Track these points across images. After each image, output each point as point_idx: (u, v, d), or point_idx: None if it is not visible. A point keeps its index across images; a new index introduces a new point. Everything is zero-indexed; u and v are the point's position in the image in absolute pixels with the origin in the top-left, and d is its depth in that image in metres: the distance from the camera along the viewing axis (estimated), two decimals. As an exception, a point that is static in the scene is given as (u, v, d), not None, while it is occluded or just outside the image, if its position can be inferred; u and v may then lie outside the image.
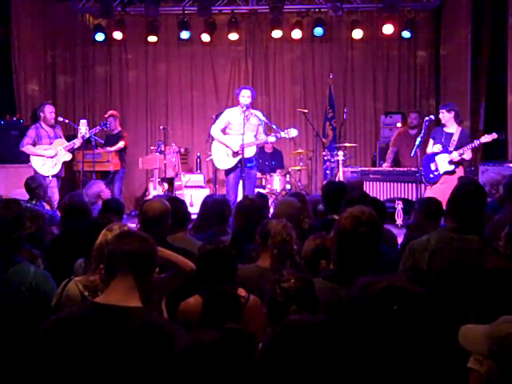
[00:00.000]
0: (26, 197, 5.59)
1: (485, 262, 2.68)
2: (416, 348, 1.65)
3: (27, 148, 7.32)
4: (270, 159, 9.11)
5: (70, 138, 7.88)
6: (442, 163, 6.85)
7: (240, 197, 7.04)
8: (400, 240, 4.26)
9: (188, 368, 1.54)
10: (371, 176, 8.00)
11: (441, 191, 6.08)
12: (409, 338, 1.64)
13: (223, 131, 7.01)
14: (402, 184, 7.78)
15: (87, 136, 7.41)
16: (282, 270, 2.40)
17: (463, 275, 2.74)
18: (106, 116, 8.69)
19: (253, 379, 1.49)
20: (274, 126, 7.14)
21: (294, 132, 6.98)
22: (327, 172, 8.72)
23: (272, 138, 7.04)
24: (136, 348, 1.79)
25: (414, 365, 1.64)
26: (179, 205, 3.90)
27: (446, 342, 1.97)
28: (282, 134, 6.92)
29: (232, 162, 6.91)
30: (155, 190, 8.31)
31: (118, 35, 9.74)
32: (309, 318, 1.59)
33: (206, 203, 4.54)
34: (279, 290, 2.23)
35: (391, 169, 8.09)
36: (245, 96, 6.81)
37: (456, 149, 6.76)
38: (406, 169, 7.84)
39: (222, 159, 7.00)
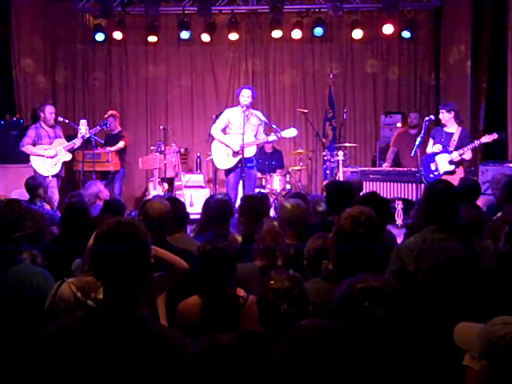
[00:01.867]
0: (26, 197, 5.60)
1: (470, 263, 2.70)
2: (387, 341, 1.67)
3: (27, 148, 7.32)
4: (270, 159, 9.11)
5: (70, 138, 7.88)
6: (442, 163, 6.85)
7: (240, 197, 7.05)
8: (400, 240, 4.26)
9: (204, 371, 1.54)
10: (371, 176, 7.99)
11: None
12: (380, 331, 1.66)
13: (223, 131, 7.01)
14: (402, 184, 7.76)
15: (87, 136, 7.41)
16: (269, 271, 2.39)
17: (449, 275, 2.75)
18: (106, 116, 8.69)
19: (267, 381, 1.49)
20: (274, 126, 7.15)
21: (293, 132, 6.99)
22: (327, 172, 8.72)
23: (272, 138, 7.04)
24: (136, 357, 1.75)
25: (386, 358, 1.66)
26: (178, 205, 3.90)
27: (437, 340, 1.99)
28: (282, 134, 6.93)
29: (232, 161, 6.91)
30: (155, 190, 8.30)
31: (117, 35, 9.74)
32: (321, 323, 1.59)
33: (208, 204, 4.54)
34: (269, 291, 2.22)
35: (391, 169, 8.08)
36: (245, 96, 6.81)
37: (456, 149, 6.77)
38: (406, 169, 7.83)
39: (222, 159, 7.00)
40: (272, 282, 2.25)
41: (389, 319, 1.70)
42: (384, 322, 1.69)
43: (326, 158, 8.73)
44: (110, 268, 1.81)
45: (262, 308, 2.25)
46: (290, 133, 6.97)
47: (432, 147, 6.98)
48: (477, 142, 6.74)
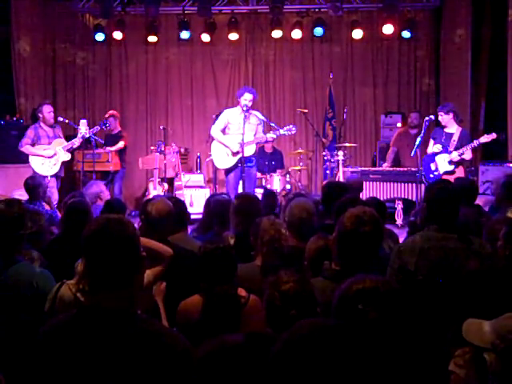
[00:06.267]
0: (26, 197, 5.60)
1: (466, 263, 2.71)
2: (379, 343, 1.67)
3: (26, 148, 7.31)
4: (270, 159, 9.11)
5: (70, 138, 7.87)
6: (442, 163, 6.86)
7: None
8: (402, 240, 4.26)
9: (212, 371, 1.53)
10: (371, 176, 8.00)
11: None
12: (372, 333, 1.66)
13: (223, 131, 7.02)
14: (402, 184, 7.77)
15: (87, 136, 7.40)
16: (279, 272, 2.34)
17: (450, 273, 2.76)
18: (106, 116, 8.70)
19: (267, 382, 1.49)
20: (273, 124, 7.16)
21: (292, 129, 6.96)
22: (327, 172, 8.72)
23: (270, 136, 7.03)
24: (129, 354, 1.73)
25: (379, 359, 1.66)
26: (179, 205, 3.91)
27: (432, 340, 1.99)
28: (282, 132, 6.93)
29: (232, 161, 6.92)
30: (155, 190, 8.31)
31: (118, 35, 9.75)
32: (321, 322, 1.59)
33: (209, 203, 4.54)
34: (277, 293, 2.19)
35: (391, 169, 8.09)
36: (247, 99, 6.80)
37: (456, 149, 6.78)
38: (406, 169, 7.84)
39: (222, 159, 7.01)
40: (281, 283, 2.22)
41: (381, 321, 1.70)
42: (375, 324, 1.69)
43: (325, 158, 8.73)
44: (101, 266, 1.80)
45: (269, 311, 2.23)
46: (289, 130, 6.96)
47: (432, 147, 7.00)
48: (476, 142, 6.75)
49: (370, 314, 1.68)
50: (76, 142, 7.41)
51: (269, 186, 8.57)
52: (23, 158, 7.52)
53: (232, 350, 1.55)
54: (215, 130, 7.03)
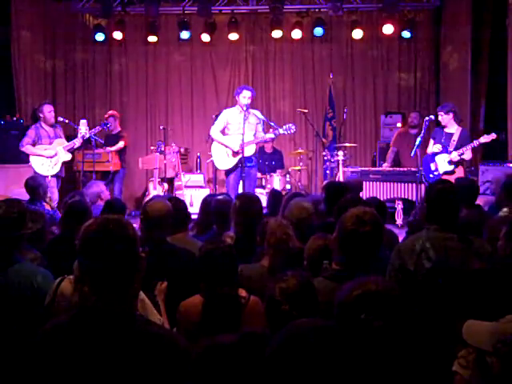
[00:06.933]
0: (26, 197, 5.59)
1: (467, 263, 2.70)
2: (384, 352, 1.66)
3: (27, 148, 7.30)
4: (269, 159, 9.11)
5: (70, 138, 7.87)
6: (442, 163, 6.86)
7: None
8: (401, 240, 4.26)
9: (205, 370, 1.53)
10: (371, 176, 7.99)
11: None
12: (376, 343, 1.65)
13: (222, 132, 7.01)
14: (402, 184, 7.77)
15: (87, 136, 7.40)
16: (286, 271, 2.36)
17: (450, 273, 2.76)
18: (106, 116, 8.70)
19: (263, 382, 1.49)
20: (273, 124, 7.16)
21: (291, 128, 6.96)
22: (327, 172, 8.73)
23: (270, 135, 7.03)
24: (132, 356, 1.72)
25: (382, 363, 1.65)
26: (179, 205, 3.91)
27: (433, 340, 1.98)
28: (281, 131, 6.92)
29: (232, 161, 6.91)
30: (155, 190, 8.31)
31: (117, 35, 9.75)
32: (317, 322, 1.59)
33: (209, 203, 4.53)
34: (278, 288, 2.22)
35: (391, 169, 8.08)
36: (246, 97, 6.80)
37: (456, 149, 6.78)
38: (405, 169, 7.83)
39: (222, 159, 7.00)
40: (284, 280, 2.24)
41: (385, 328, 1.69)
42: (380, 332, 1.68)
43: (325, 158, 8.73)
44: (100, 267, 1.78)
45: (268, 305, 2.25)
46: (288, 129, 6.95)
47: (432, 147, 7.00)
48: (475, 142, 6.76)
49: (374, 323, 1.67)
50: (77, 142, 7.40)
51: (269, 186, 8.58)
52: (23, 158, 7.51)
53: (226, 350, 1.55)
54: (215, 131, 7.03)
